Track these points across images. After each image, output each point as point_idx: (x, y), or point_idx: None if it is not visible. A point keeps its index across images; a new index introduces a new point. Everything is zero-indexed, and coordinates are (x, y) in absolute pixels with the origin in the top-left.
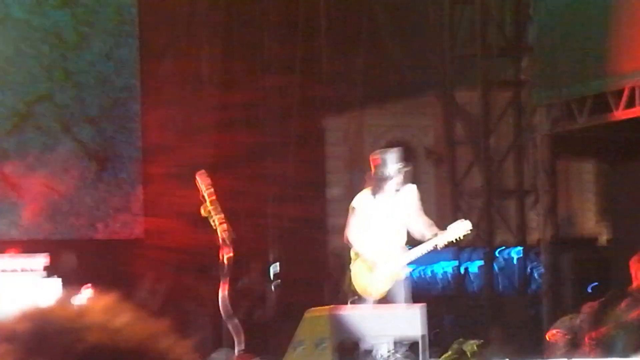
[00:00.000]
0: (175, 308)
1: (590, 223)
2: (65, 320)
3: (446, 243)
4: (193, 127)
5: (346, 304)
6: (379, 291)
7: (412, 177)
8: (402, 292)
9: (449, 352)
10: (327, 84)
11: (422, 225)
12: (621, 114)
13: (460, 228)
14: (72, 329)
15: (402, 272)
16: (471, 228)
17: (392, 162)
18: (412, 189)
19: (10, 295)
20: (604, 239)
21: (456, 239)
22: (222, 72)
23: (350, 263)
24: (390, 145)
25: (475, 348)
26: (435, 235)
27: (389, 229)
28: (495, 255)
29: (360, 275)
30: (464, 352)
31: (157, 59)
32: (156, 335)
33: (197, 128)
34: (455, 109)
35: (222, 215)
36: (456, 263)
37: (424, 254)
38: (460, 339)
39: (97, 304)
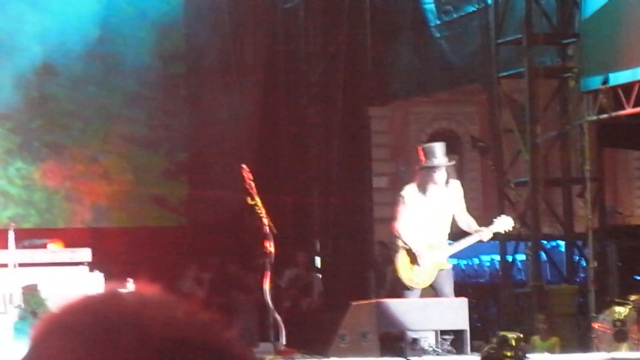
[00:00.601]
0: (220, 299)
1: (638, 211)
2: (129, 312)
3: (491, 236)
4: (236, 118)
5: (392, 295)
6: (424, 282)
7: (458, 166)
8: (447, 283)
9: (491, 344)
10: (372, 73)
11: (467, 218)
12: None
13: (503, 223)
14: (137, 321)
15: (447, 263)
16: (513, 224)
17: (440, 154)
18: (457, 184)
19: (57, 288)
20: None
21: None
22: (265, 61)
23: (396, 253)
24: (436, 133)
25: (514, 341)
26: (480, 229)
27: (436, 221)
28: (542, 244)
29: (405, 266)
30: (506, 344)
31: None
32: (217, 327)
33: (241, 119)
34: (502, 97)
35: (264, 209)
36: (503, 253)
37: (468, 245)
38: (502, 333)
39: (153, 296)
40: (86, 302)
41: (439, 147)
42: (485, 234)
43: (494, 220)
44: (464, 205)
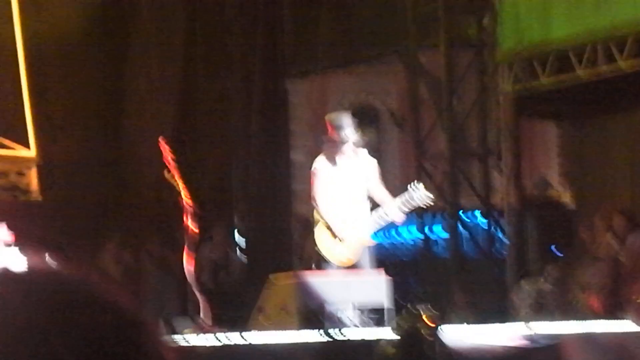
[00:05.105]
0: (139, 275)
1: (554, 183)
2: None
3: (409, 209)
4: (156, 92)
5: (310, 268)
6: (348, 259)
7: (376, 140)
8: (367, 259)
9: (402, 319)
10: (290, 46)
11: (380, 191)
12: (583, 72)
13: (420, 195)
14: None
15: (369, 239)
16: (430, 195)
17: (347, 125)
18: (365, 154)
19: None
20: (568, 199)
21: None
22: (183, 33)
23: (314, 226)
24: (353, 107)
25: (426, 313)
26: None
27: (351, 193)
28: (460, 216)
29: (325, 241)
30: (416, 315)
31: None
32: (118, 302)
33: (161, 92)
34: (418, 69)
35: (182, 183)
36: (421, 226)
37: (387, 222)
38: (411, 306)
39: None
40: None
41: (345, 118)
42: (393, 208)
43: (409, 188)
44: (377, 177)
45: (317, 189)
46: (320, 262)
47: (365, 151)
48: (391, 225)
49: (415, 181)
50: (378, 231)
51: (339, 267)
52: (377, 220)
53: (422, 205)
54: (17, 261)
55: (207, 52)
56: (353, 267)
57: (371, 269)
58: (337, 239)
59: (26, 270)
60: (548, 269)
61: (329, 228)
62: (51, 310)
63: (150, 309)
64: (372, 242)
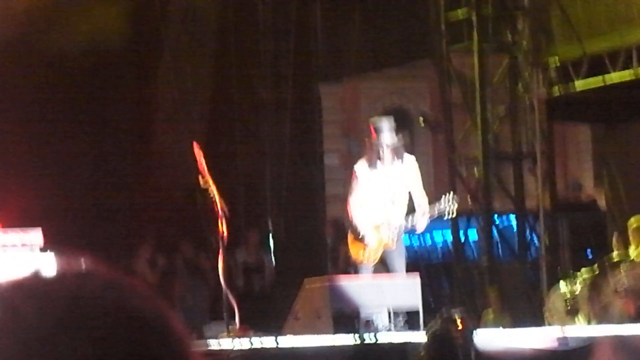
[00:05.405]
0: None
1: (589, 187)
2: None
3: (437, 214)
4: (190, 97)
5: (345, 272)
6: (371, 258)
7: (409, 143)
8: (396, 262)
9: (434, 323)
10: (323, 50)
11: (420, 198)
12: (617, 75)
13: (449, 202)
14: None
15: (394, 240)
16: (456, 203)
17: (389, 129)
18: (412, 160)
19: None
20: (602, 202)
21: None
22: (215, 39)
23: (348, 230)
24: (387, 110)
25: (460, 318)
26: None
27: (386, 198)
28: (493, 220)
29: (353, 243)
30: (451, 320)
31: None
32: (145, 306)
33: (194, 98)
34: (452, 73)
35: (216, 188)
36: (455, 230)
37: (416, 224)
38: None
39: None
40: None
41: (386, 122)
42: (420, 218)
43: (440, 200)
44: (419, 183)
45: (353, 193)
46: (352, 266)
47: (408, 155)
48: (426, 230)
49: (452, 193)
50: (410, 235)
51: (369, 268)
52: (405, 225)
53: (446, 217)
54: (50, 265)
55: (240, 57)
56: (384, 267)
57: (401, 271)
58: (362, 242)
59: (58, 273)
60: (582, 273)
61: (354, 232)
62: (79, 314)
63: (183, 314)
64: (394, 246)
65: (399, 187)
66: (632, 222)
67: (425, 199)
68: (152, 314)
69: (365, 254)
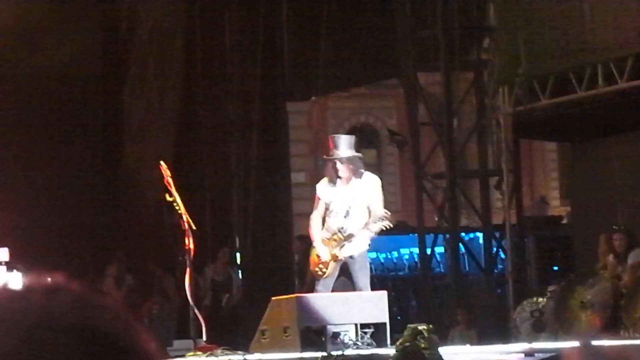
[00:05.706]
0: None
1: (555, 202)
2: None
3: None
4: (157, 116)
5: (311, 289)
6: (327, 273)
7: (377, 160)
8: (358, 274)
9: (403, 338)
10: (290, 69)
11: (375, 213)
12: (583, 93)
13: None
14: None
15: (341, 254)
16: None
17: (343, 146)
18: (372, 178)
19: None
20: (568, 218)
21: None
22: (182, 57)
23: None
24: (354, 128)
25: (426, 332)
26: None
27: (341, 211)
28: (460, 236)
29: (312, 259)
30: (419, 335)
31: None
32: (109, 322)
33: (161, 117)
34: (418, 91)
35: (182, 206)
36: (422, 246)
37: (364, 240)
38: (411, 325)
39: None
40: None
41: (343, 138)
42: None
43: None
44: (378, 199)
45: (314, 209)
46: (314, 281)
47: (368, 173)
48: (392, 245)
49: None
50: (378, 250)
51: (329, 282)
52: (361, 236)
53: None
54: (17, 282)
55: (207, 77)
56: (343, 282)
57: (365, 286)
58: (319, 257)
59: (25, 290)
60: (549, 288)
61: (313, 247)
62: (46, 330)
63: (151, 331)
64: (342, 259)
65: (355, 202)
66: (601, 239)
67: (378, 214)
68: (119, 330)
69: (323, 269)
